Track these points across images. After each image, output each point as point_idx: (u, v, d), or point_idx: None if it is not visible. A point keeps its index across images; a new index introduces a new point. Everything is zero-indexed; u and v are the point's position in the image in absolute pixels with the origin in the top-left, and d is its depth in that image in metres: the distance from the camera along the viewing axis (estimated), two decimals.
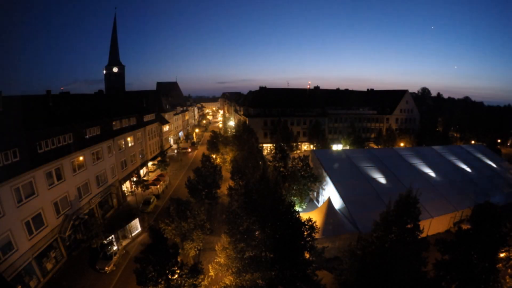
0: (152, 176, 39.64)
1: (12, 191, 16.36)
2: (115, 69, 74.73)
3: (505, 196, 28.17)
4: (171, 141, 61.08)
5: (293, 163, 28.71)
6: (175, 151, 56.15)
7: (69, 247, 21.50)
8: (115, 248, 21.08)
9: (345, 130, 56.07)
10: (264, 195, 13.96)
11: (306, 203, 27.06)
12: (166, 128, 54.35)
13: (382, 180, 27.31)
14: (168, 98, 72.81)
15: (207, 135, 65.17)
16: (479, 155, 37.16)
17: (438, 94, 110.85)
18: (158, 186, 33.98)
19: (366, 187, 25.97)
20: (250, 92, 78.18)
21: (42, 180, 18.97)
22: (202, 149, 51.56)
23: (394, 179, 27.55)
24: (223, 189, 29.14)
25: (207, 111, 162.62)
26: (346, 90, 68.83)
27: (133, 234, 24.48)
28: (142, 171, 39.14)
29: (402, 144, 50.45)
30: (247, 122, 52.42)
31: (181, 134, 74.40)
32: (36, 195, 18.30)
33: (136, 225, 25.07)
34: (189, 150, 59.02)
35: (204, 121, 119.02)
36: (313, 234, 14.81)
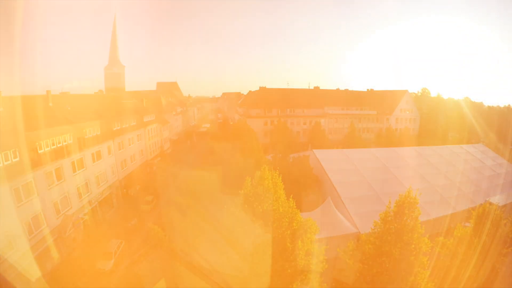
0: (152, 176, 39.59)
1: (12, 191, 16.33)
2: (115, 69, 74.78)
3: (505, 196, 28.15)
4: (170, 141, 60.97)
5: (293, 163, 28.69)
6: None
7: (69, 247, 21.49)
8: (115, 247, 21.07)
9: (345, 130, 56.09)
10: (264, 196, 13.96)
11: (306, 203, 27.02)
12: (166, 128, 54.30)
13: (382, 180, 27.25)
14: (168, 98, 72.78)
15: (207, 135, 65.10)
16: (479, 155, 37.14)
17: (438, 94, 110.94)
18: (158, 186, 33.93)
19: (366, 187, 25.94)
20: (250, 92, 78.13)
21: (42, 180, 18.98)
22: (202, 149, 51.50)
23: (394, 179, 27.51)
24: (223, 189, 29.07)
25: (207, 111, 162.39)
26: (346, 90, 68.87)
27: (132, 234, 24.44)
28: (142, 171, 39.09)
29: (402, 144, 50.34)
30: (247, 122, 52.39)
31: (180, 133, 74.32)
32: (36, 195, 18.30)
33: (135, 225, 25.06)
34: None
35: (204, 121, 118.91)
36: (313, 234, 14.78)
